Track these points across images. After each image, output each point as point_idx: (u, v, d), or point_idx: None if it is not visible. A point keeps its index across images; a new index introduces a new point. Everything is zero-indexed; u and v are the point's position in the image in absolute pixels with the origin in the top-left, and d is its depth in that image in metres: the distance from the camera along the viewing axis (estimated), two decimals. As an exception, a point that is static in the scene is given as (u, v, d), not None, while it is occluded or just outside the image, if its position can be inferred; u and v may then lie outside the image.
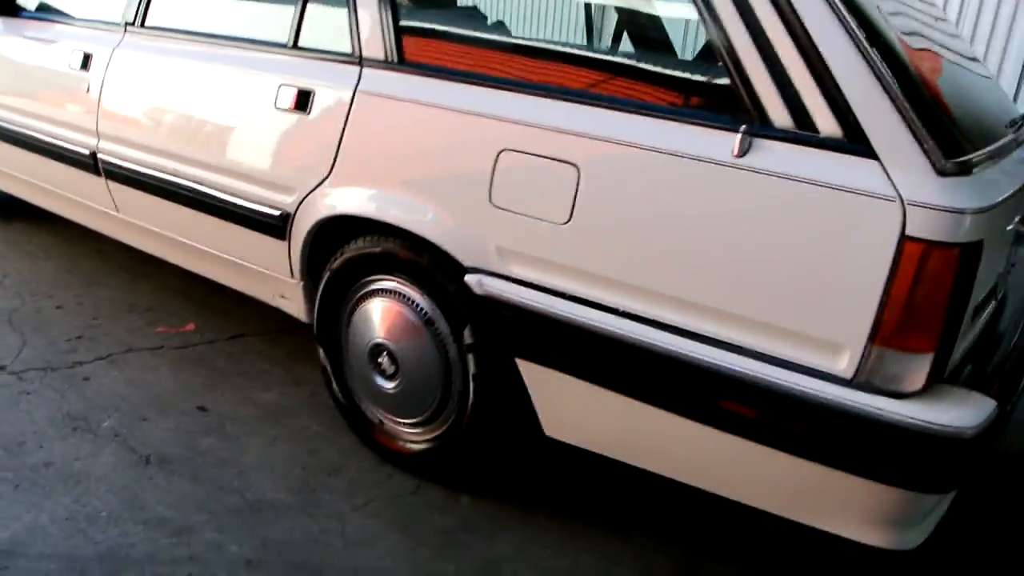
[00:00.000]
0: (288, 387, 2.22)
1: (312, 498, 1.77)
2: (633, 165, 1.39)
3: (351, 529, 1.68)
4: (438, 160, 1.63)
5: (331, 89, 1.79)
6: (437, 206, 1.62)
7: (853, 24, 1.25)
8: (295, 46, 1.92)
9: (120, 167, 2.31)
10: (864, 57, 1.23)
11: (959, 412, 1.22)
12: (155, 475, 1.81)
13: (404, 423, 1.86)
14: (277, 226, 1.94)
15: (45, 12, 2.76)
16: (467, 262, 1.60)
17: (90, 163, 2.40)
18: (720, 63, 1.35)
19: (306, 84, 1.84)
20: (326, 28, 1.88)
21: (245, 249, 2.09)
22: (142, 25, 2.29)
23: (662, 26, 2.21)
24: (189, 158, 2.10)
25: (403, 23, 1.75)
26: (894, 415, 1.21)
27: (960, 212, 1.16)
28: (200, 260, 2.31)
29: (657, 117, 1.40)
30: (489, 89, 1.58)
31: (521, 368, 1.60)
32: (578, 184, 1.43)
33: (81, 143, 2.41)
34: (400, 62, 1.72)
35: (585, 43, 3.02)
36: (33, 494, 1.71)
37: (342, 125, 1.76)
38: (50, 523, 1.63)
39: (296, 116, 1.85)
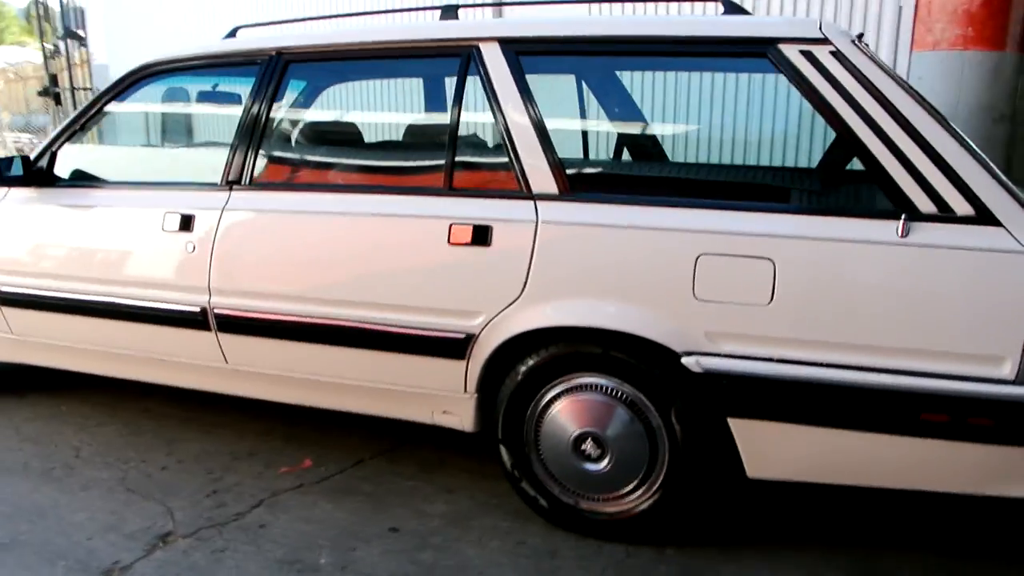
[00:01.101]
0: (445, 495, 2.40)
1: (557, 579, 2.00)
2: (821, 253, 1.86)
3: (611, 595, 1.94)
4: (638, 270, 1.99)
5: (511, 223, 2.10)
6: (643, 308, 1.98)
7: (956, 130, 1.82)
8: (451, 188, 2.21)
9: (242, 319, 2.41)
10: (975, 158, 1.81)
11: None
12: (408, 593, 1.94)
13: (610, 497, 2.14)
14: (457, 348, 2.18)
15: (86, 180, 2.78)
16: (679, 348, 1.96)
17: (198, 319, 2.47)
18: (870, 174, 1.87)
19: (481, 220, 2.13)
20: (482, 170, 2.20)
21: (406, 375, 2.29)
22: (250, 184, 2.44)
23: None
24: (342, 300, 2.28)
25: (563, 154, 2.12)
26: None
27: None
28: (332, 394, 2.44)
29: (831, 216, 1.89)
30: (676, 209, 2.00)
31: (732, 425, 1.97)
32: (775, 273, 1.88)
33: (185, 301, 2.48)
34: (567, 195, 2.09)
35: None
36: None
37: (529, 253, 2.07)
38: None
39: (473, 249, 2.13)
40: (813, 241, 1.86)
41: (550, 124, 2.16)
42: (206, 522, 2.24)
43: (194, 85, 3.08)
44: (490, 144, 2.30)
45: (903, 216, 1.81)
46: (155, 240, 2.51)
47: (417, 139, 2.77)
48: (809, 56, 1.95)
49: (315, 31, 2.52)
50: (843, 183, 1.97)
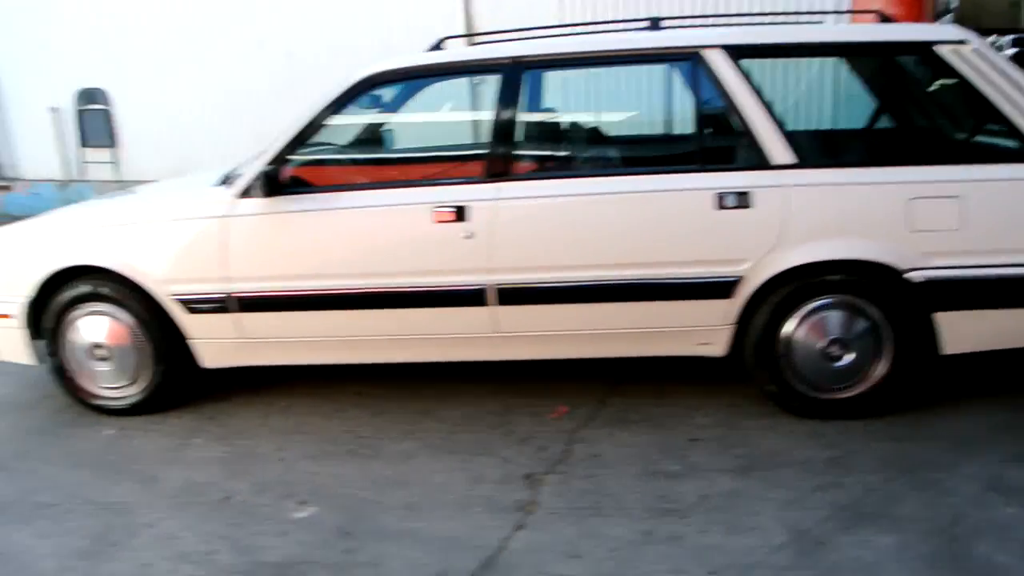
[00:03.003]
0: (701, 411, 3.00)
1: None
2: (998, 189, 2.67)
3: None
4: (867, 213, 2.70)
5: (767, 188, 2.72)
6: (875, 241, 2.70)
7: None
8: (705, 165, 2.79)
9: (524, 290, 2.84)
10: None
11: None
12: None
13: (843, 386, 2.86)
14: (726, 290, 2.78)
15: (313, 186, 3.00)
16: (903, 267, 2.71)
17: (475, 296, 2.86)
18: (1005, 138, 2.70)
19: (736, 188, 2.73)
20: (727, 148, 2.79)
21: (675, 317, 2.86)
22: (514, 175, 2.85)
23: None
24: (619, 263, 2.79)
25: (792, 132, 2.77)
26: None
27: None
28: (601, 343, 2.95)
29: (995, 164, 2.70)
30: (889, 168, 2.73)
31: (938, 318, 2.76)
32: (962, 206, 2.66)
33: (462, 283, 2.86)
34: (803, 163, 2.75)
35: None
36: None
37: (784, 209, 2.71)
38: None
39: (738, 212, 2.73)
40: (978, 182, 2.67)
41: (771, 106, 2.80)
42: (548, 461, 2.70)
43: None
44: (722, 129, 2.88)
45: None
46: (426, 231, 2.84)
47: (661, 128, 3.25)
48: (957, 52, 2.73)
49: (551, 42, 2.94)
50: (978, 139, 2.79)
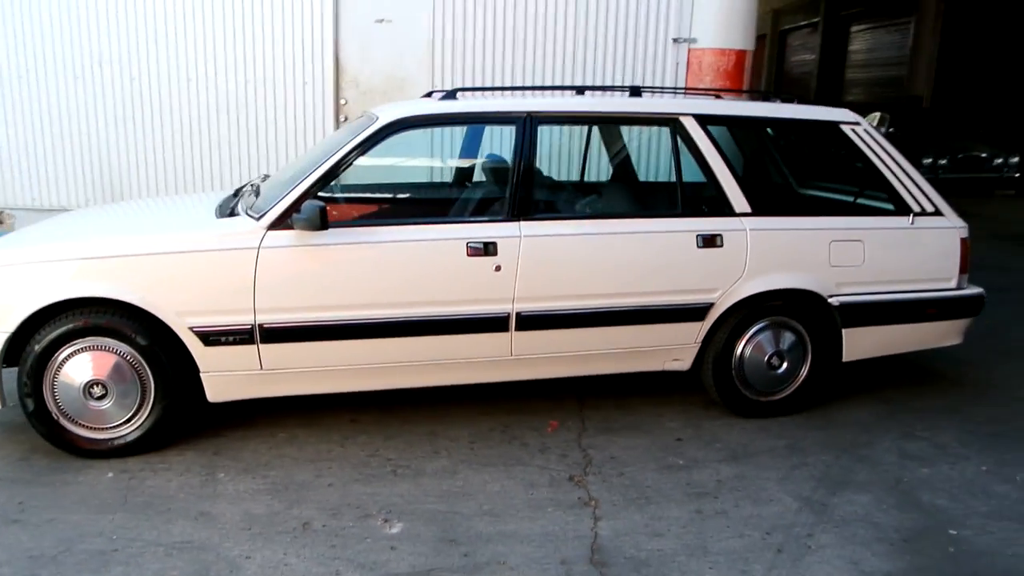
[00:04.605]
0: (671, 411, 3.57)
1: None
2: (886, 235, 3.59)
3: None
4: (803, 252, 3.48)
5: (734, 231, 3.39)
6: (808, 274, 3.49)
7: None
8: (684, 211, 3.40)
9: (540, 317, 3.22)
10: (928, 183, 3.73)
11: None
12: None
13: (779, 389, 3.60)
14: (699, 314, 3.40)
15: (358, 223, 3.13)
16: (825, 294, 3.52)
17: (498, 323, 3.18)
18: (887, 197, 3.66)
19: (712, 231, 3.37)
20: (700, 197, 3.43)
21: (658, 338, 3.40)
22: (533, 215, 3.23)
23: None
24: (622, 292, 3.29)
25: (747, 186, 3.48)
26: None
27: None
28: (594, 362, 3.41)
29: (884, 216, 3.63)
30: (816, 217, 3.54)
31: (845, 333, 3.60)
32: (864, 248, 3.55)
33: (488, 311, 3.17)
34: (758, 212, 3.46)
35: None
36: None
37: (746, 248, 3.40)
38: None
39: (710, 250, 3.37)
40: (884, 231, 3.59)
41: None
42: (577, 465, 3.09)
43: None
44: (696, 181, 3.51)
45: (912, 214, 3.65)
46: (460, 263, 3.12)
47: (650, 178, 3.73)
48: (854, 130, 3.65)
49: (558, 100, 3.38)
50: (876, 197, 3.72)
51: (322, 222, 2.92)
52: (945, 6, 13.88)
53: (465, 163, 3.86)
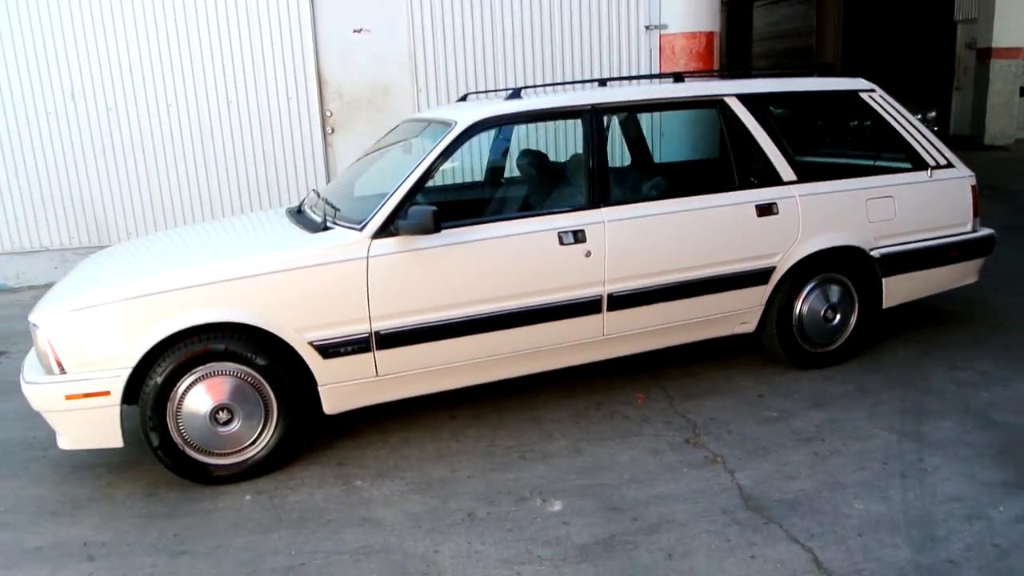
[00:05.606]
0: (753, 371, 3.82)
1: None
2: (912, 189, 3.93)
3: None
4: (846, 212, 3.78)
5: (786, 198, 3.66)
6: (852, 231, 3.79)
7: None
8: (741, 184, 3.64)
9: (630, 296, 3.40)
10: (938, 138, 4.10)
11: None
12: (825, 408, 3.46)
13: (832, 340, 3.90)
14: (763, 277, 3.65)
15: (459, 220, 3.23)
16: (867, 248, 3.84)
17: (590, 306, 3.35)
18: (904, 156, 4.01)
19: (768, 200, 3.63)
20: (752, 171, 3.68)
21: (725, 304, 3.64)
22: (613, 200, 3.40)
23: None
24: (695, 265, 3.51)
25: (790, 156, 3.75)
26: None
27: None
28: (672, 334, 3.62)
29: (906, 173, 3.97)
30: (854, 178, 3.84)
31: (885, 282, 3.93)
32: (895, 203, 3.89)
33: (582, 296, 3.33)
34: (803, 179, 3.74)
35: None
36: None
37: (798, 213, 3.67)
38: None
39: (767, 218, 3.62)
40: (910, 185, 3.94)
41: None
42: (686, 429, 3.29)
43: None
44: (746, 156, 3.74)
45: (929, 167, 4.01)
46: (554, 252, 3.26)
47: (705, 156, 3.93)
48: (871, 96, 3.98)
49: (617, 91, 3.57)
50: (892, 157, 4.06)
51: (435, 225, 3.00)
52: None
53: (538, 159, 4.01)
